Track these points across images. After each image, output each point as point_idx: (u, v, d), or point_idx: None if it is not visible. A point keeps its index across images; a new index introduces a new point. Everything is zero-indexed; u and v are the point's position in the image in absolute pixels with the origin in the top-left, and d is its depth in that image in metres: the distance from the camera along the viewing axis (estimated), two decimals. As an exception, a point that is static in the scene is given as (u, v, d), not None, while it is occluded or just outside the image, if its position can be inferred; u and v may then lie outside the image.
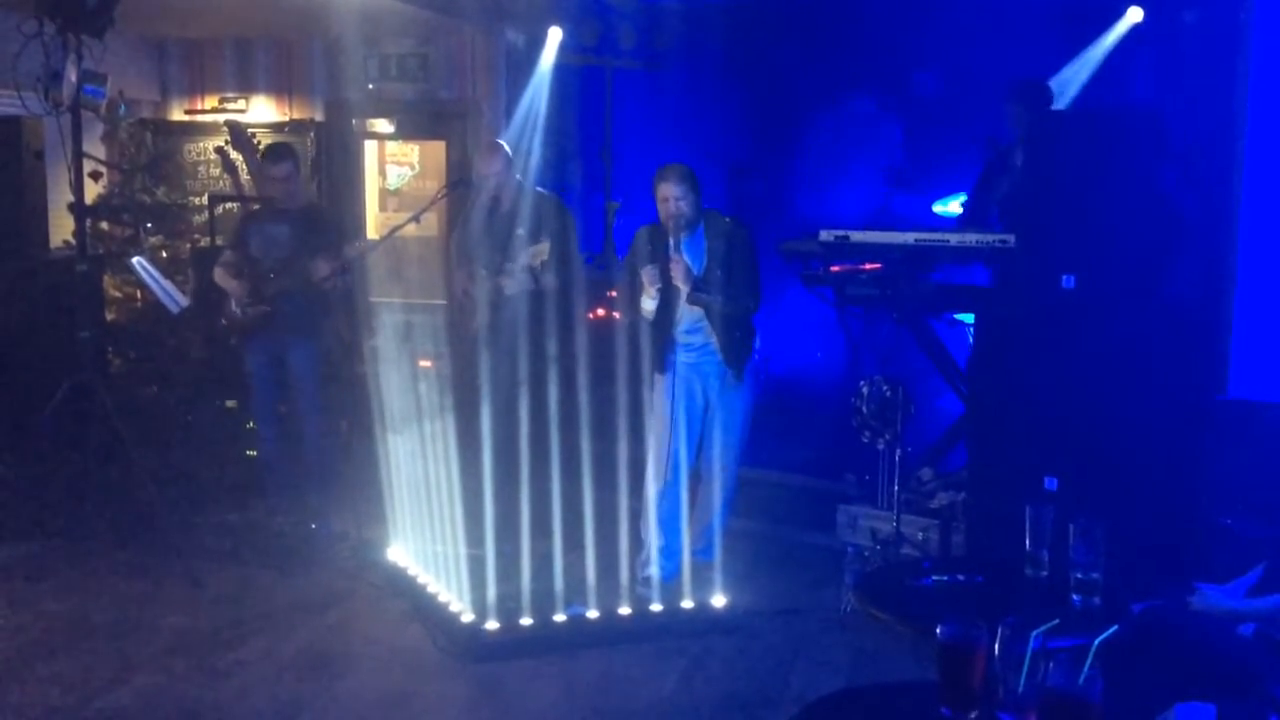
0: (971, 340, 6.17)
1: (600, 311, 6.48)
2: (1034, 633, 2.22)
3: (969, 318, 6.32)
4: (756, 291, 5.08)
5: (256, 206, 6.23)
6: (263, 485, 6.08)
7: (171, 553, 5.38)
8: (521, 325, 5.53)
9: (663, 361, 5.05)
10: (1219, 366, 5.13)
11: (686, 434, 5.06)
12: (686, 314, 5.00)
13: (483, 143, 5.84)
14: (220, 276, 5.87)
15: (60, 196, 7.37)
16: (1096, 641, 2.13)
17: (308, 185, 6.03)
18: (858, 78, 7.64)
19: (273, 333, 5.81)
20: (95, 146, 7.69)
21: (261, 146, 7.49)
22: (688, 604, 4.82)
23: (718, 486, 5.12)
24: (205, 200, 7.78)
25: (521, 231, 5.53)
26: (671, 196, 4.89)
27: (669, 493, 5.03)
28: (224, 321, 5.96)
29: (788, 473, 6.41)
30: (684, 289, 4.90)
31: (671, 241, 4.89)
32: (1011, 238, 5.41)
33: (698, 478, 5.18)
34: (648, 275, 4.93)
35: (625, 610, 4.73)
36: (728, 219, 5.09)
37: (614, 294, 5.42)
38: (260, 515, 5.90)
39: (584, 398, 5.09)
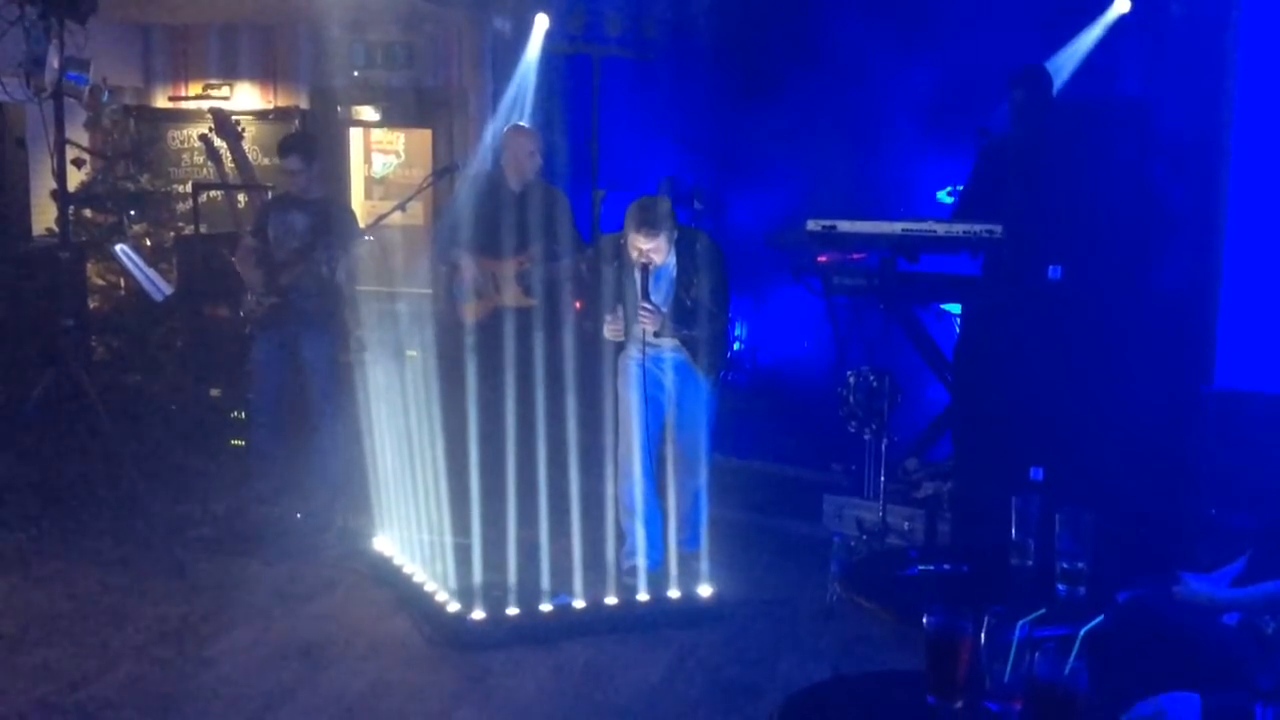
0: (958, 330, 6.18)
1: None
2: (1020, 622, 2.22)
3: (956, 308, 6.33)
4: (725, 313, 5.00)
5: (276, 194, 6.21)
6: (251, 474, 6.05)
7: (155, 542, 5.35)
8: (510, 315, 5.52)
9: (624, 352, 5.02)
10: (1205, 357, 5.15)
11: (653, 422, 5.04)
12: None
13: (513, 127, 5.79)
14: (241, 264, 5.86)
15: (43, 184, 7.33)
16: (1082, 631, 2.14)
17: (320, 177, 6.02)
18: (846, 66, 7.63)
19: (287, 322, 5.80)
20: (78, 133, 7.64)
21: (245, 132, 7.46)
22: (674, 594, 4.81)
23: (691, 475, 5.09)
24: (189, 188, 7.74)
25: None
26: (645, 247, 4.71)
27: (642, 482, 5.01)
28: (240, 312, 5.94)
29: (774, 462, 6.43)
30: (653, 330, 4.84)
31: (639, 286, 4.76)
32: (999, 228, 5.41)
33: (677, 465, 5.16)
34: (610, 329, 4.90)
35: (612, 600, 4.73)
36: (701, 241, 4.97)
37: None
38: (245, 504, 5.87)
39: (570, 386, 5.07)
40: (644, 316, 4.79)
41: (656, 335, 4.87)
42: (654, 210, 4.70)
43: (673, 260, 4.89)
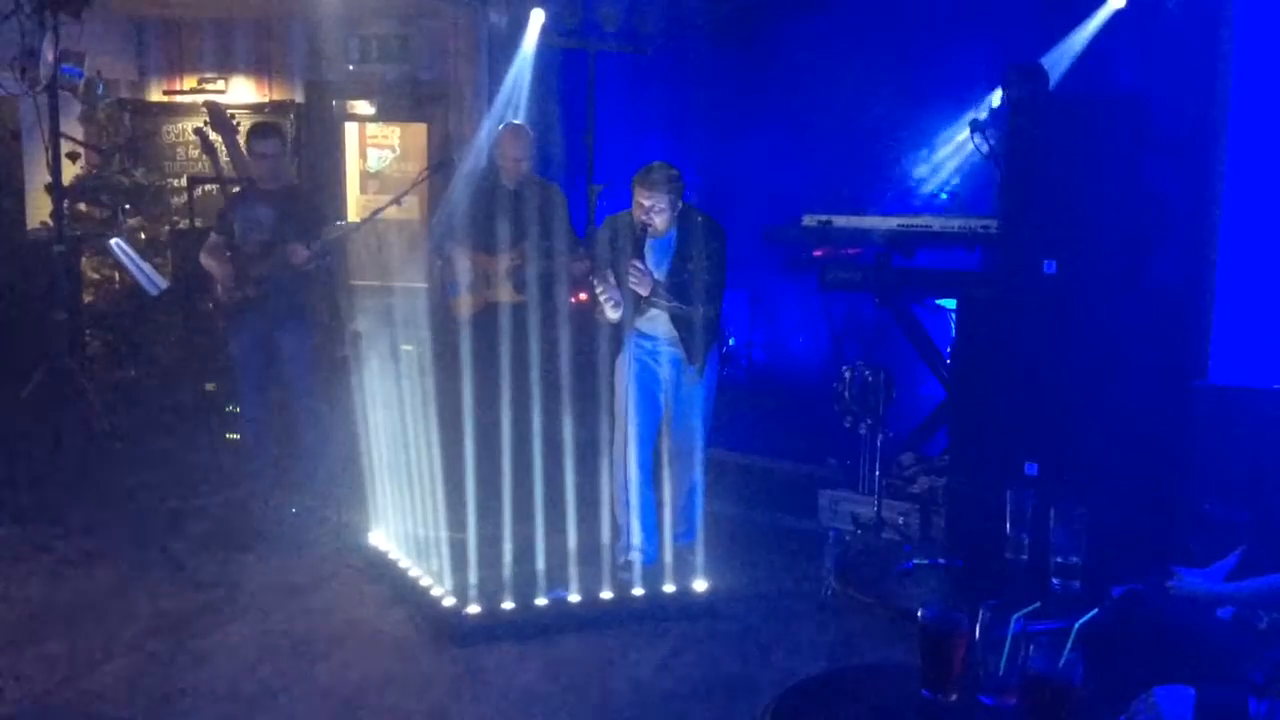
0: (954, 325, 6.19)
1: (583, 296, 6.47)
2: (1014, 616, 2.23)
3: (951, 303, 6.34)
4: (718, 299, 4.99)
5: (239, 188, 6.19)
6: (244, 468, 6.05)
7: (151, 536, 5.35)
8: (502, 310, 5.52)
9: (622, 345, 5.01)
10: (1199, 352, 5.15)
11: (649, 416, 5.04)
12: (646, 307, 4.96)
13: (508, 127, 5.75)
14: (205, 260, 5.82)
15: (37, 177, 7.32)
16: (1076, 625, 2.14)
17: (290, 166, 5.98)
18: (843, 60, 7.64)
19: (260, 316, 5.77)
20: (73, 127, 7.64)
21: (240, 126, 7.44)
22: (669, 588, 4.82)
23: (686, 469, 5.10)
24: (184, 182, 7.74)
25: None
26: (646, 204, 4.77)
27: (638, 476, 5.01)
28: (210, 305, 5.91)
29: (770, 457, 6.43)
30: (644, 293, 4.85)
31: (635, 246, 4.79)
32: (994, 223, 5.43)
33: (672, 459, 5.17)
34: (608, 302, 4.90)
35: (607, 594, 4.73)
36: (703, 218, 4.97)
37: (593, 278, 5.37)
38: (241, 498, 5.87)
39: (566, 381, 5.07)
40: (633, 276, 4.79)
41: (649, 302, 4.87)
42: (657, 171, 4.79)
43: (674, 234, 4.91)
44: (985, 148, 5.85)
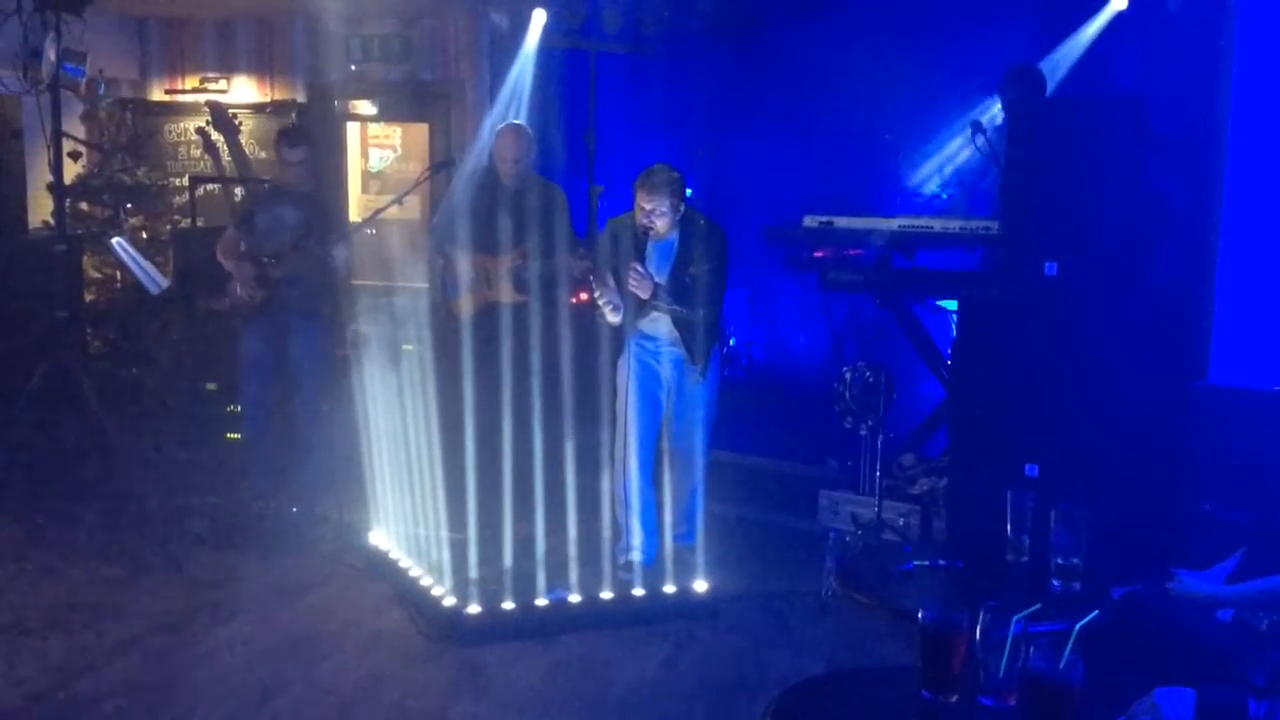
0: (955, 326, 6.19)
1: (584, 296, 6.47)
2: (1015, 617, 2.23)
3: (952, 304, 6.34)
4: (719, 301, 5.00)
5: (264, 187, 6.20)
6: (246, 467, 6.05)
7: (151, 536, 5.35)
8: (502, 311, 5.52)
9: (623, 345, 5.01)
10: (1200, 353, 5.14)
11: (651, 417, 5.04)
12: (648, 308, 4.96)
13: (507, 127, 5.72)
14: (223, 256, 5.83)
15: (39, 176, 7.33)
16: (1077, 626, 2.14)
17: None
18: (845, 61, 7.63)
19: (275, 315, 5.77)
20: (74, 126, 7.63)
21: (242, 125, 7.45)
22: (670, 588, 4.82)
23: (688, 469, 5.10)
24: (186, 181, 7.74)
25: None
26: (647, 208, 4.78)
27: (639, 476, 5.01)
28: (228, 300, 5.91)
29: (770, 458, 6.43)
30: (645, 296, 4.85)
31: (636, 250, 4.80)
32: (995, 224, 5.43)
33: (674, 460, 5.17)
34: (607, 306, 4.90)
35: (607, 594, 4.73)
36: (704, 221, 4.98)
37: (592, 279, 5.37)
38: (241, 498, 5.87)
39: (565, 381, 5.07)
40: (633, 279, 4.79)
41: (650, 304, 4.87)
42: (658, 174, 4.79)
43: (675, 237, 4.91)
44: (986, 149, 5.85)
